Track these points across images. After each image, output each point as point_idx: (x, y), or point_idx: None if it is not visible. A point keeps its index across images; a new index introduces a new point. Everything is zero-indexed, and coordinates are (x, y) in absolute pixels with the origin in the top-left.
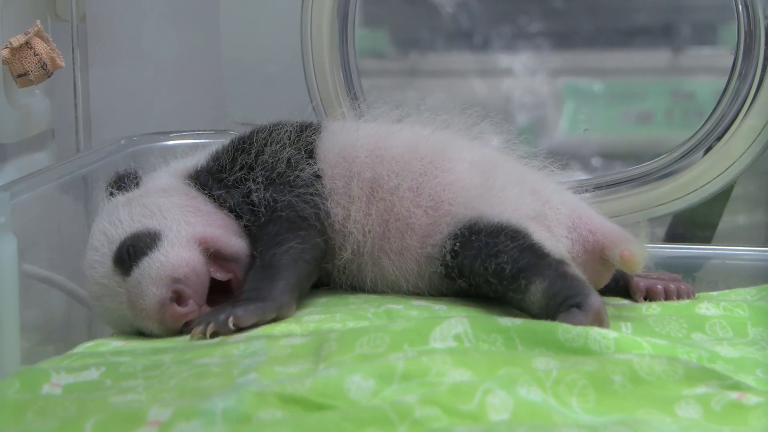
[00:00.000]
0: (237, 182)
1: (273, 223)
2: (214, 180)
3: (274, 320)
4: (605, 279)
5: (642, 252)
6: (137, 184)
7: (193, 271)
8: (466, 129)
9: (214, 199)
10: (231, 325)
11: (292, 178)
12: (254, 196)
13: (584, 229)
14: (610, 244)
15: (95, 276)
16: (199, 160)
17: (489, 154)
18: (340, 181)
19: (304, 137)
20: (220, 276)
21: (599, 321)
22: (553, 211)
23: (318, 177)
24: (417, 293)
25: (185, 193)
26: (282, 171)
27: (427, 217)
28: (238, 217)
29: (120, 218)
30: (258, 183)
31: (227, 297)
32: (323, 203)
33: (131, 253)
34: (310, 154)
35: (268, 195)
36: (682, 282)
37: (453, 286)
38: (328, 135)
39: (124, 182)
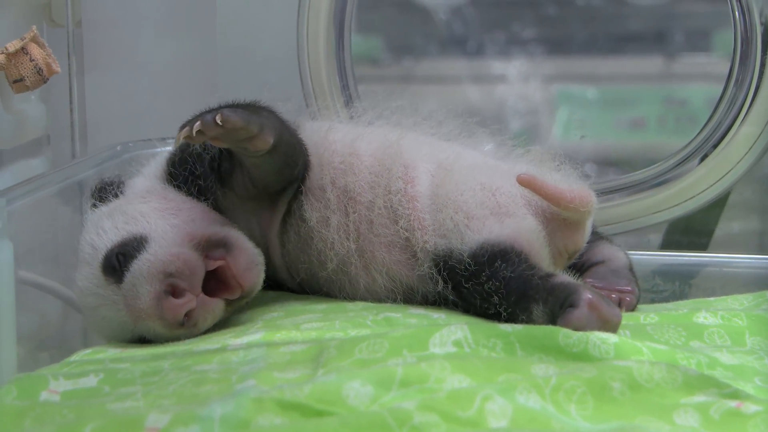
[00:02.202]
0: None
1: None
2: (186, 172)
3: (253, 142)
4: (581, 238)
5: (574, 189)
6: (120, 192)
7: (185, 264)
8: (433, 130)
9: (191, 192)
10: (219, 121)
11: None
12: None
13: (539, 200)
14: (562, 203)
15: (91, 287)
16: (168, 154)
17: (445, 156)
18: (315, 182)
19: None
20: (210, 265)
21: (596, 310)
22: (506, 197)
23: None
24: (413, 302)
25: (163, 196)
26: None
27: (406, 240)
28: (223, 185)
29: (104, 228)
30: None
31: (223, 287)
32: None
33: (121, 260)
34: None
35: None
36: (627, 295)
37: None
38: (303, 135)
39: (105, 192)
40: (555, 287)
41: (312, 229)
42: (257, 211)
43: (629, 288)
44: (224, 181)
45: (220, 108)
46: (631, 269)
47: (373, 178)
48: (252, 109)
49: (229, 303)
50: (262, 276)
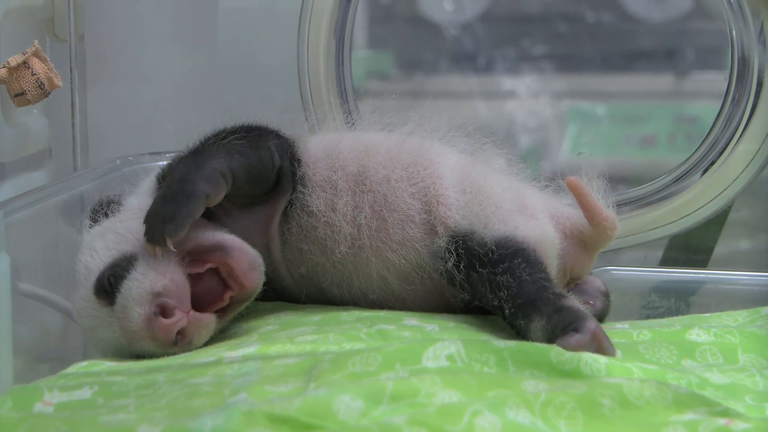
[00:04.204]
0: None
1: (225, 132)
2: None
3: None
4: (588, 264)
5: (609, 212)
6: (113, 212)
7: (171, 281)
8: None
9: None
10: (172, 247)
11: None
12: None
13: (561, 216)
14: (584, 221)
15: (87, 309)
16: (158, 172)
17: (468, 157)
18: (322, 174)
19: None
20: (199, 269)
21: (597, 343)
22: (533, 202)
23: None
24: (420, 291)
25: None
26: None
27: (426, 213)
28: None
29: (96, 249)
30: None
31: (220, 288)
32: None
33: (112, 282)
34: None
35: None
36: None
37: (454, 292)
38: (309, 137)
39: (99, 212)
40: (564, 308)
41: (317, 217)
42: (253, 210)
43: (591, 301)
44: None
45: (164, 222)
46: (605, 295)
47: (390, 157)
48: (193, 166)
49: (220, 315)
50: (263, 278)
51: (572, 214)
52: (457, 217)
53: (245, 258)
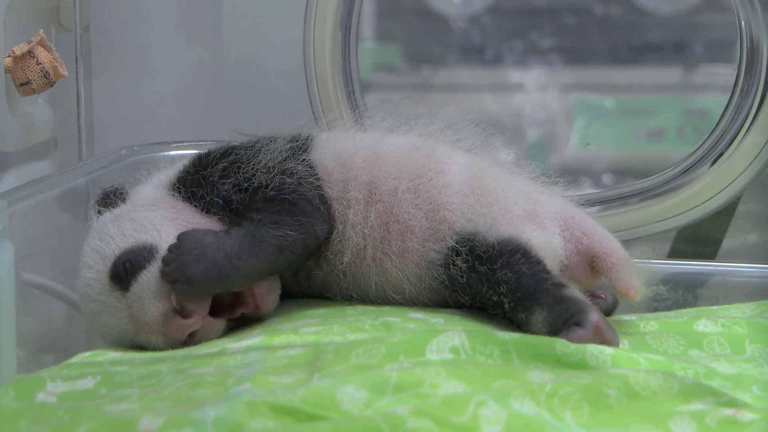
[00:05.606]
0: (227, 178)
1: (277, 202)
2: (201, 185)
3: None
4: (594, 284)
5: (641, 288)
6: (123, 200)
7: None
8: (456, 140)
9: (201, 207)
10: (175, 302)
11: (290, 167)
12: (252, 182)
13: (577, 230)
14: (604, 257)
15: (92, 293)
16: (182, 168)
17: (477, 159)
18: (337, 187)
19: (296, 147)
20: None
21: (601, 335)
22: (544, 210)
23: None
24: (420, 299)
25: (172, 206)
26: (281, 161)
27: (427, 220)
28: (232, 212)
29: (111, 234)
30: (255, 173)
31: (234, 299)
32: (324, 190)
33: (128, 268)
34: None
35: (270, 177)
36: (597, 299)
37: (455, 296)
38: (321, 144)
39: (110, 199)
40: (564, 299)
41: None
42: None
43: (602, 295)
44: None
45: (180, 275)
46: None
47: (399, 167)
48: (246, 251)
49: (230, 319)
50: (278, 301)
51: (593, 232)
52: (463, 220)
53: (265, 281)
